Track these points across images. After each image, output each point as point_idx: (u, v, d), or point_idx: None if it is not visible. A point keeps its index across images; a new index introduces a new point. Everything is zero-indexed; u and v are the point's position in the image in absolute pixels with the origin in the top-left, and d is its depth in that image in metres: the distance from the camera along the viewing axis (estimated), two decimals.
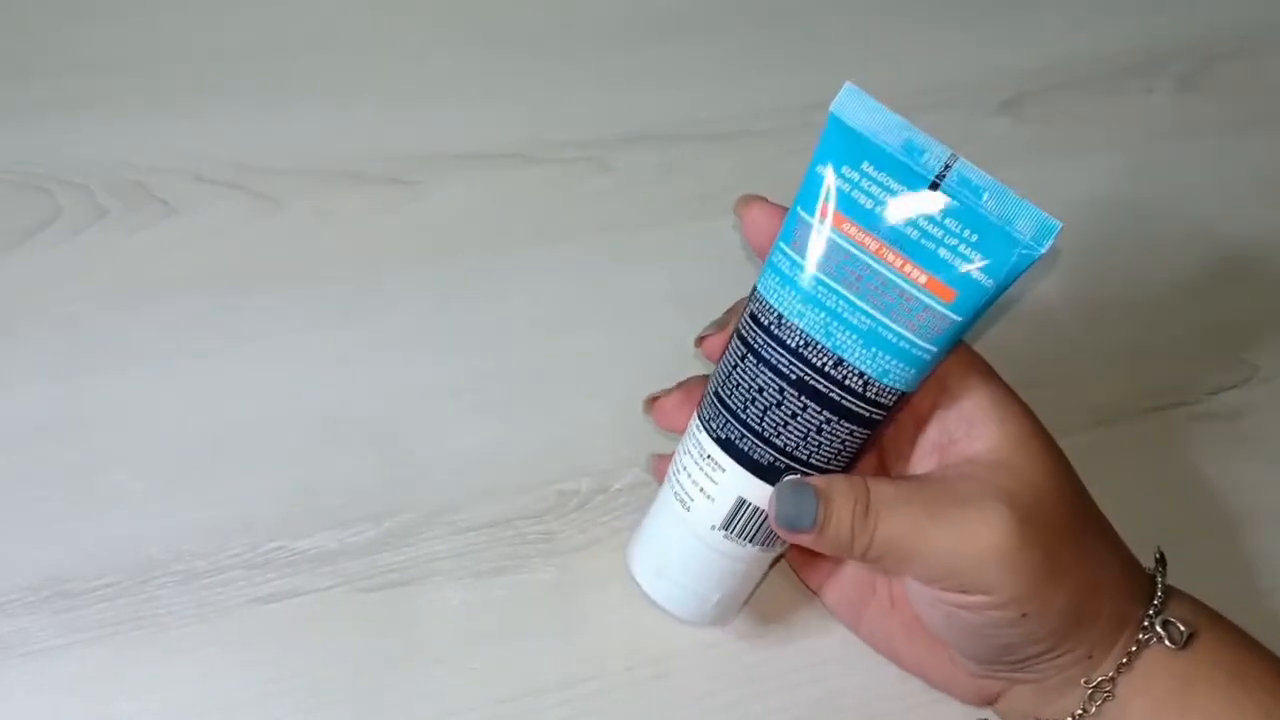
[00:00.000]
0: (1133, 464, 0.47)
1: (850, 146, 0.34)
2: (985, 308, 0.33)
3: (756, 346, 0.35)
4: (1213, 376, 0.50)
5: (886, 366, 0.33)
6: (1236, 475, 0.47)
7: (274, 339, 0.47)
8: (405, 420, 0.46)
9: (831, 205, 0.33)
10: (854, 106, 0.35)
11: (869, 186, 0.33)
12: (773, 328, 0.34)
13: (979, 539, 0.33)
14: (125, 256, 0.49)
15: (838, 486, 0.34)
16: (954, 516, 0.33)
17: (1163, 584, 0.37)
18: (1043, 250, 0.33)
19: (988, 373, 0.36)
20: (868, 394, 0.34)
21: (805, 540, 0.34)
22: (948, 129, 0.56)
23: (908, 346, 0.33)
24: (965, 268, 0.32)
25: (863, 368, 0.33)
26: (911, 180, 0.33)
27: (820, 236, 0.33)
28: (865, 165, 0.33)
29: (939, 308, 0.32)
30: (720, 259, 0.51)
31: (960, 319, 0.33)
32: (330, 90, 0.54)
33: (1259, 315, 0.52)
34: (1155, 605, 0.36)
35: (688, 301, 0.50)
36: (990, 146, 0.56)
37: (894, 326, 0.33)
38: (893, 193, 0.33)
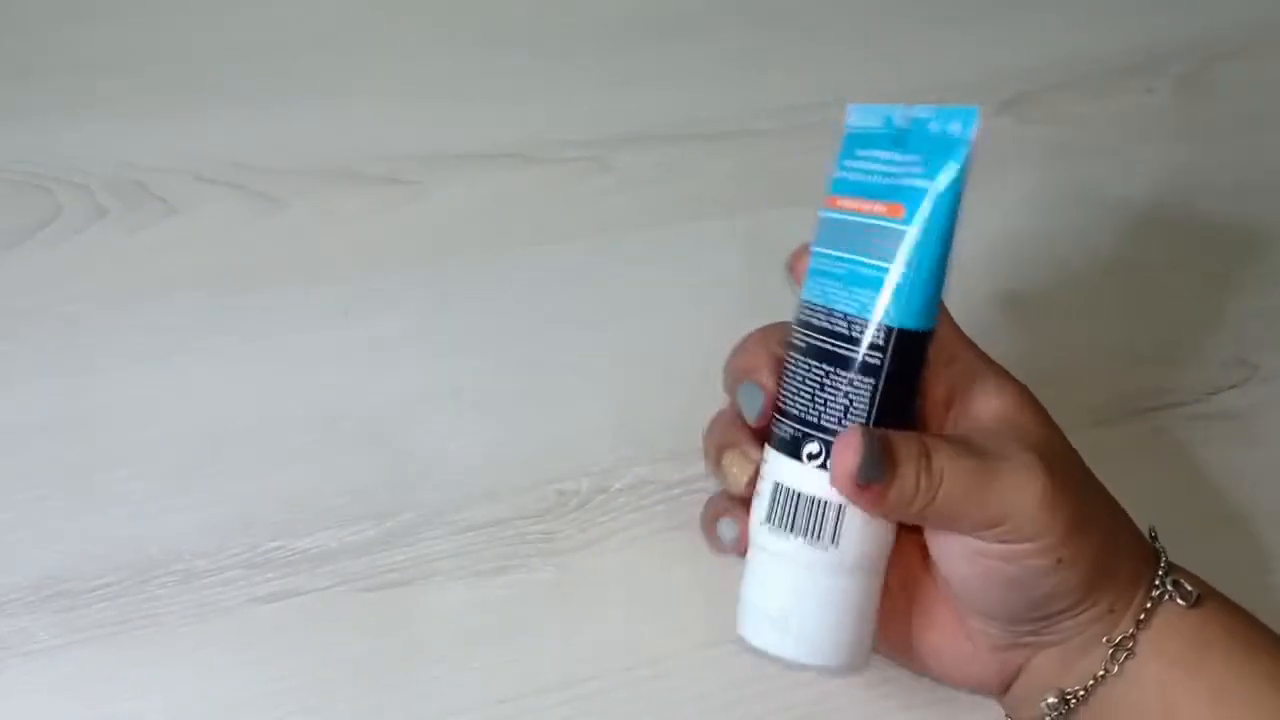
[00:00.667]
0: (1133, 464, 0.47)
1: (846, 144, 0.38)
2: (938, 212, 0.34)
3: (791, 339, 0.37)
4: (1213, 376, 0.50)
5: (863, 300, 0.35)
6: (1236, 475, 0.47)
7: (274, 339, 0.47)
8: (405, 420, 0.46)
9: (828, 194, 0.37)
10: (856, 114, 0.38)
11: (853, 165, 0.37)
12: (797, 314, 0.37)
13: (1026, 489, 0.34)
14: (125, 256, 0.49)
15: (899, 440, 0.34)
16: (1002, 469, 0.34)
17: (1162, 549, 0.38)
18: (966, 134, 0.35)
19: (977, 349, 0.38)
20: (852, 333, 0.35)
21: (869, 497, 0.34)
22: None
23: (874, 273, 0.35)
24: (909, 182, 0.35)
25: (845, 309, 0.35)
26: (881, 142, 0.36)
27: (820, 221, 0.37)
28: (857, 151, 0.37)
29: (892, 225, 0.35)
30: (720, 259, 0.51)
31: (912, 227, 0.34)
32: (330, 90, 0.54)
33: (1259, 315, 0.52)
34: (1163, 565, 0.37)
35: (688, 301, 0.50)
36: (990, 146, 0.56)
37: (863, 259, 0.35)
38: (861, 158, 0.37)
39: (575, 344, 0.48)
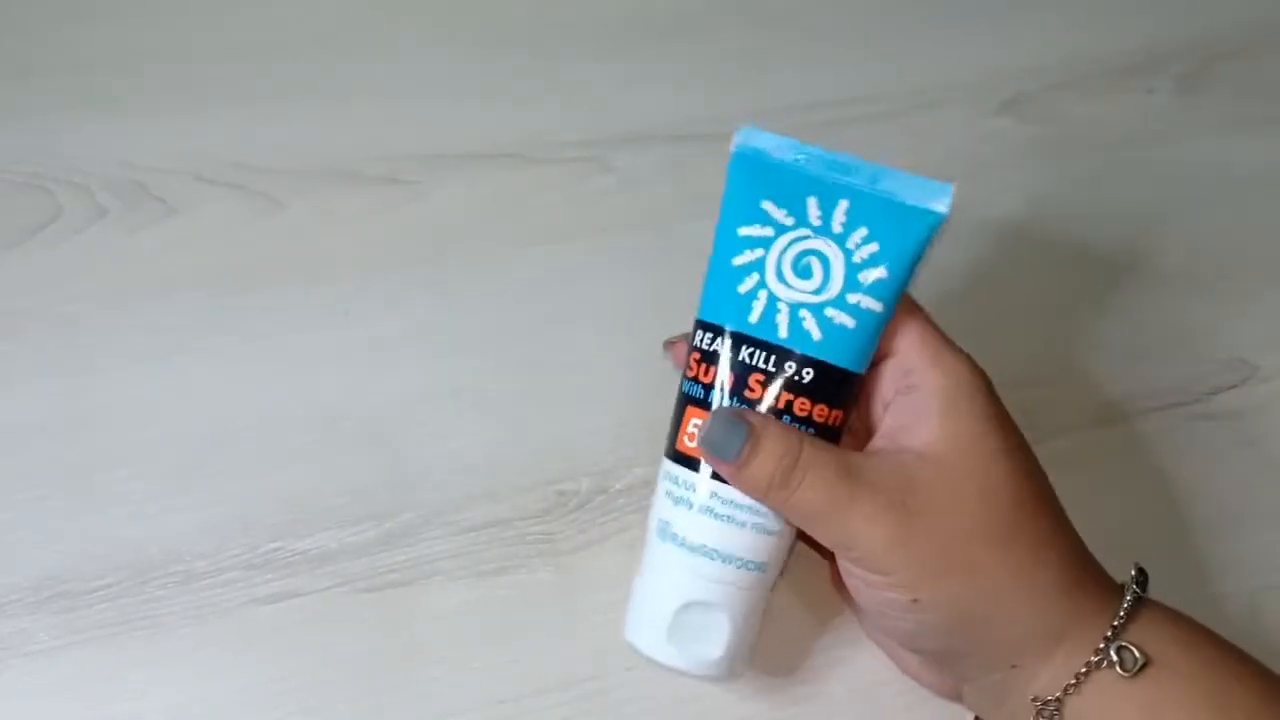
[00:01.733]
0: (1133, 464, 0.47)
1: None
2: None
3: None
4: (1213, 376, 0.50)
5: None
6: (1236, 475, 0.47)
7: (274, 339, 0.47)
8: (405, 420, 0.46)
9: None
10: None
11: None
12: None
13: (876, 525, 0.34)
14: (125, 256, 0.49)
15: (772, 430, 0.35)
16: (861, 498, 0.34)
17: (1131, 603, 0.35)
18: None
19: (953, 365, 0.36)
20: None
21: (724, 471, 0.36)
22: (948, 129, 0.56)
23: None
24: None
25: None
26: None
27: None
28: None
29: None
30: None
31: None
32: (330, 90, 0.54)
33: (1259, 315, 0.52)
34: (1115, 626, 0.34)
35: (688, 302, 0.50)
36: (990, 146, 0.56)
37: None
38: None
39: (575, 344, 0.48)
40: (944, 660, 0.37)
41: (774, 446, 0.35)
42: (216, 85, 0.54)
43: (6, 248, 0.48)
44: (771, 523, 0.37)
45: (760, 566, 0.37)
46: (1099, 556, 0.37)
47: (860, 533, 0.34)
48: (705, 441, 0.36)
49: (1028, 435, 0.37)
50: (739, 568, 0.37)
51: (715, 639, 0.36)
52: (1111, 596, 0.36)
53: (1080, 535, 0.37)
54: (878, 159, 0.54)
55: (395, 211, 0.51)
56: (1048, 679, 0.35)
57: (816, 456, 0.35)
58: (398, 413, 0.46)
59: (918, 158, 0.54)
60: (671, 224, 0.52)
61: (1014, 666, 0.35)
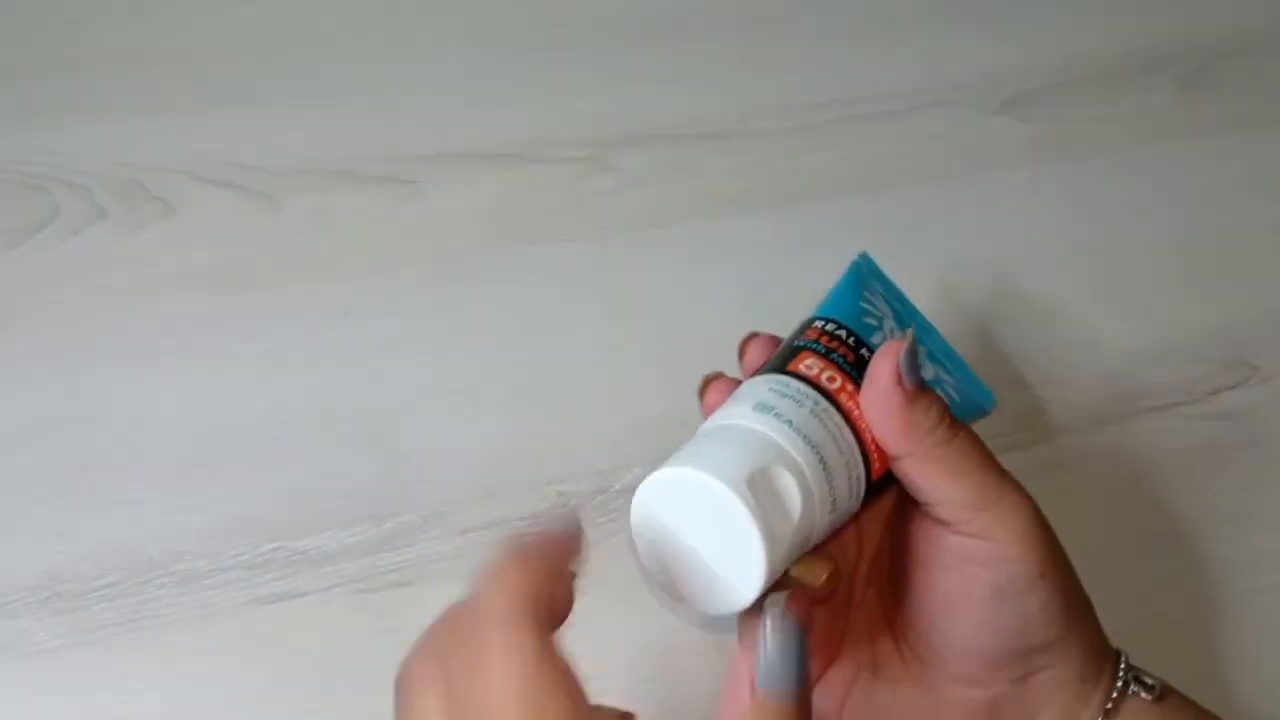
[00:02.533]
0: (1133, 464, 0.47)
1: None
2: None
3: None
4: (1213, 376, 0.50)
5: None
6: (1236, 475, 0.47)
7: (274, 339, 0.47)
8: (405, 420, 0.46)
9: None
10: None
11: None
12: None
13: (1020, 498, 0.34)
14: (125, 256, 0.49)
15: (928, 386, 0.35)
16: (1004, 470, 0.35)
17: (1122, 649, 0.37)
18: None
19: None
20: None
21: (900, 396, 0.34)
22: (948, 129, 0.56)
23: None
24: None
25: None
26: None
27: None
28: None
29: None
30: (721, 259, 0.51)
31: None
32: (330, 90, 0.54)
33: (1259, 315, 0.52)
34: (1124, 662, 0.37)
35: (688, 301, 0.50)
36: (990, 146, 0.56)
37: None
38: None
39: (575, 344, 0.48)
40: (1028, 664, 0.36)
41: (938, 395, 0.35)
42: (216, 85, 0.54)
43: (6, 248, 0.48)
44: (858, 472, 0.35)
45: (834, 498, 0.34)
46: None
47: (1002, 502, 0.34)
48: (904, 358, 0.34)
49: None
50: (824, 474, 0.34)
51: (788, 508, 0.33)
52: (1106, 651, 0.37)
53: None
54: (878, 158, 0.55)
55: (395, 211, 0.51)
56: (1094, 708, 0.36)
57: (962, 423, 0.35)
58: (398, 413, 0.46)
59: (919, 157, 0.55)
60: (671, 224, 0.52)
61: (1083, 680, 0.36)
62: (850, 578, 0.39)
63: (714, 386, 0.38)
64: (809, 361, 0.36)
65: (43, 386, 0.45)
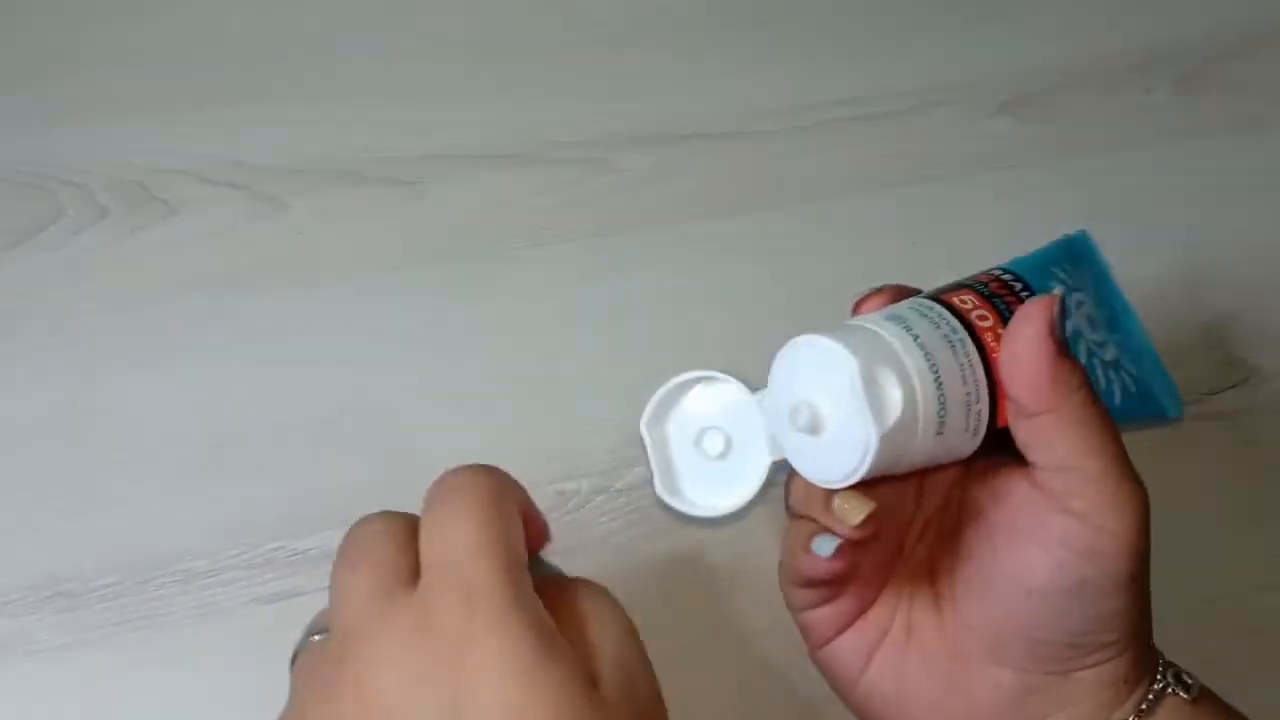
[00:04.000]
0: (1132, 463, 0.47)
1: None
2: None
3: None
4: (1213, 376, 0.50)
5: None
6: (1235, 475, 0.47)
7: (274, 339, 0.47)
8: (405, 420, 0.46)
9: None
10: None
11: None
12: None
13: (1138, 487, 0.33)
14: (125, 256, 0.49)
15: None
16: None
17: (1163, 662, 0.36)
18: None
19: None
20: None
21: (1050, 350, 0.32)
22: (948, 129, 0.56)
23: None
24: None
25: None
26: None
27: None
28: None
29: None
30: (720, 259, 0.51)
31: None
32: (331, 90, 0.54)
33: (1259, 315, 0.52)
34: (1161, 660, 0.35)
35: (688, 301, 0.50)
36: (990, 146, 0.56)
37: None
38: None
39: (575, 344, 0.48)
40: (1078, 658, 0.34)
41: (1080, 363, 0.33)
42: (217, 85, 0.54)
43: (6, 248, 0.48)
44: (979, 407, 0.33)
45: (942, 421, 0.32)
46: None
47: (1132, 488, 0.33)
48: (1056, 309, 0.32)
49: None
50: (938, 394, 0.32)
51: (886, 407, 0.32)
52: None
53: None
54: (878, 158, 0.55)
55: (395, 211, 0.51)
56: (1129, 707, 0.35)
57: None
58: (398, 413, 0.46)
59: (918, 158, 0.55)
60: (671, 224, 0.52)
61: (1126, 682, 0.34)
62: (902, 530, 0.37)
63: (869, 301, 0.36)
64: (965, 297, 0.34)
65: (43, 386, 0.45)
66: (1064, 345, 0.32)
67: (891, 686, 0.36)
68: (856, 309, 0.36)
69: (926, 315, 0.33)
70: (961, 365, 0.33)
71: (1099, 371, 0.36)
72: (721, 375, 0.36)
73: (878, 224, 0.52)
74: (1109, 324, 0.37)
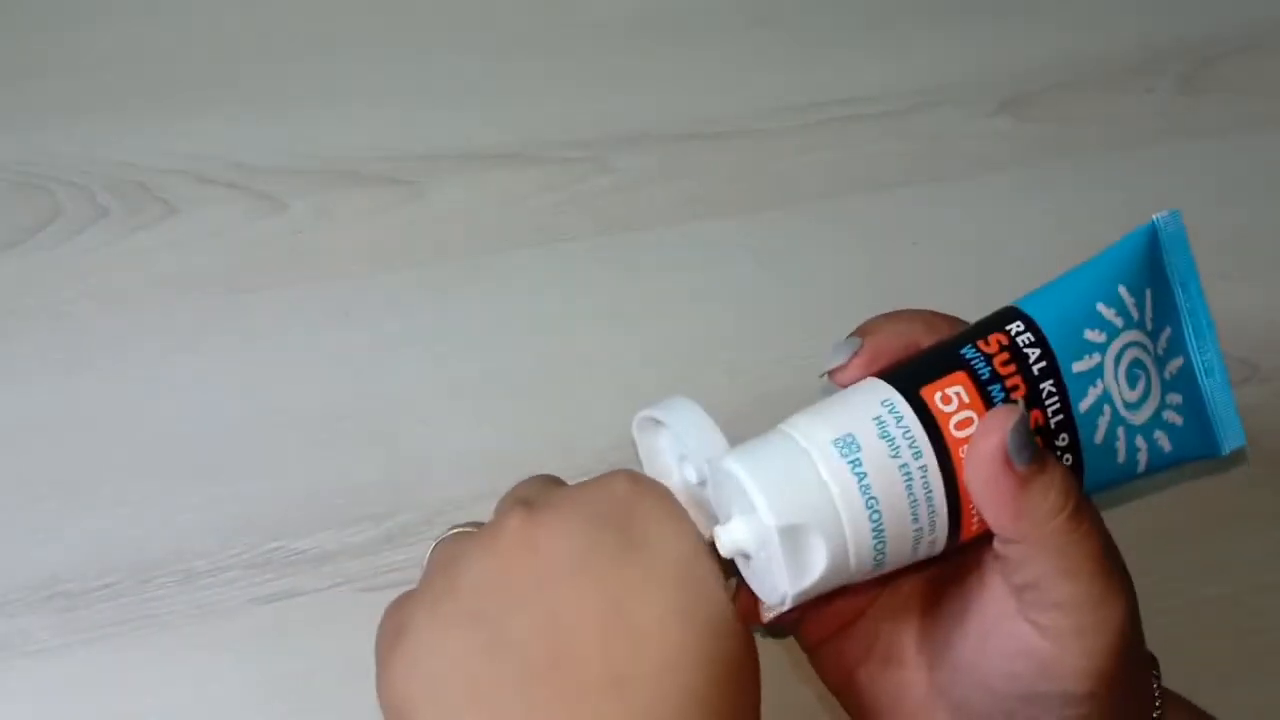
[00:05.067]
0: None
1: None
2: None
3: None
4: None
5: None
6: (1236, 475, 0.47)
7: (274, 339, 0.47)
8: (405, 420, 0.46)
9: None
10: None
11: None
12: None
13: (1120, 604, 0.30)
14: (125, 256, 0.49)
15: (1052, 459, 0.30)
16: (1118, 567, 0.31)
17: (1159, 690, 0.34)
18: None
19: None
20: None
21: (1010, 481, 0.29)
22: (948, 129, 0.56)
23: None
24: None
25: None
26: None
27: None
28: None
29: None
30: (720, 259, 0.51)
31: None
32: (330, 90, 0.54)
33: (1259, 315, 0.52)
34: (1157, 709, 0.34)
35: (688, 302, 0.50)
36: (990, 146, 0.56)
37: None
38: None
39: (576, 344, 0.48)
40: None
41: (1062, 471, 0.30)
42: (216, 85, 0.54)
43: (6, 248, 0.48)
44: (931, 536, 0.31)
45: (879, 563, 0.31)
46: None
47: (1107, 613, 0.30)
48: (1012, 434, 0.29)
49: None
50: (874, 543, 0.30)
51: (809, 569, 0.30)
52: (1148, 684, 0.34)
53: None
54: (878, 158, 0.55)
55: (395, 211, 0.51)
56: None
57: (1089, 503, 0.30)
58: (398, 413, 0.46)
59: (918, 157, 0.55)
60: (671, 224, 0.52)
61: None
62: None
63: (855, 364, 0.33)
64: (954, 390, 0.31)
65: (43, 386, 0.45)
66: (1027, 472, 0.29)
67: (879, 699, 0.36)
68: (837, 374, 0.33)
69: (887, 435, 0.30)
70: (914, 502, 0.30)
71: (1121, 441, 0.32)
72: (668, 426, 0.34)
73: (878, 224, 0.52)
74: (1177, 345, 0.34)
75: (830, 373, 0.34)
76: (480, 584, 0.30)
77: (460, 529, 0.34)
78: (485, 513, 0.44)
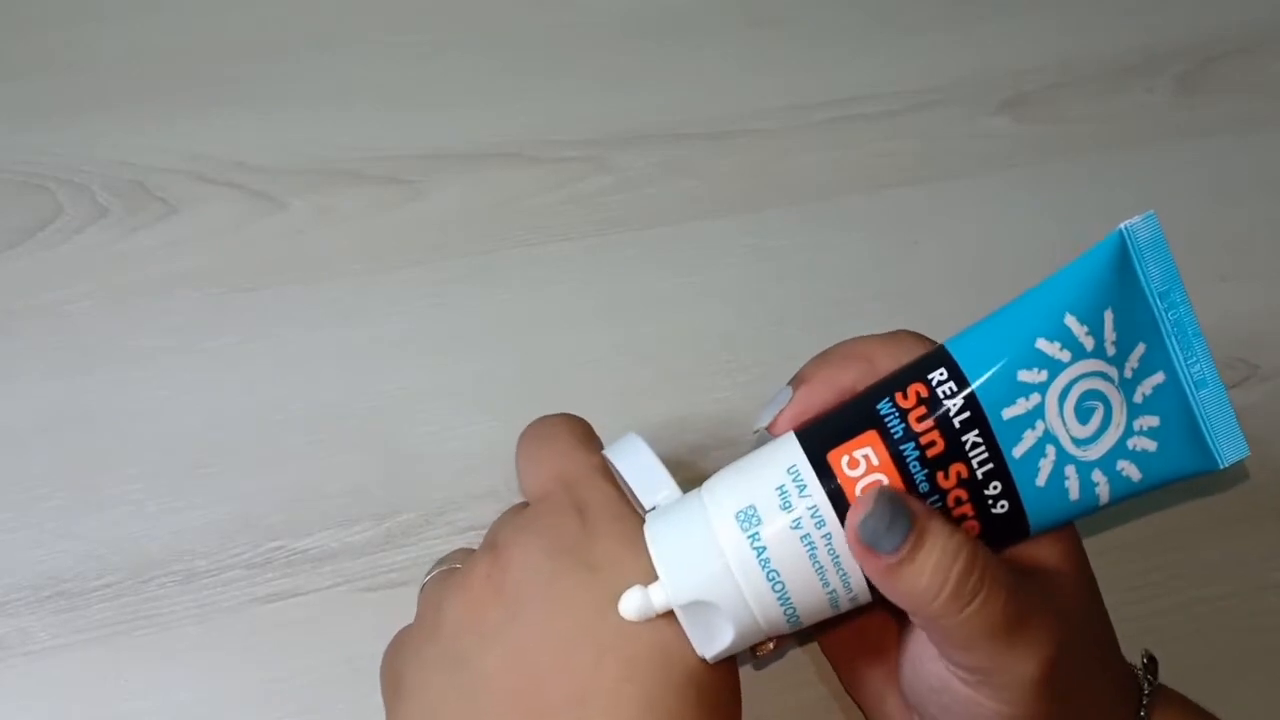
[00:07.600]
0: None
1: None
2: None
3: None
4: None
5: None
6: (1236, 475, 0.47)
7: (274, 338, 0.47)
8: (405, 420, 0.46)
9: None
10: None
11: None
12: None
13: (1031, 662, 0.30)
14: (125, 256, 0.49)
15: (939, 525, 0.29)
16: (1031, 625, 0.30)
17: (1149, 692, 0.34)
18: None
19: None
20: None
21: (873, 566, 0.29)
22: (948, 129, 0.56)
23: None
24: None
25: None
26: None
27: None
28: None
29: None
30: (720, 259, 0.51)
31: None
32: (330, 90, 0.54)
33: (1259, 315, 0.52)
34: (1143, 710, 0.34)
35: (688, 302, 0.50)
36: (990, 146, 0.56)
37: None
38: None
39: (575, 344, 0.48)
40: None
41: (946, 544, 0.29)
42: (216, 85, 0.54)
43: (6, 248, 0.48)
44: (850, 594, 0.31)
45: (795, 623, 0.32)
46: (1101, 558, 0.37)
47: (1019, 670, 0.30)
48: (862, 526, 0.29)
49: None
50: (783, 608, 0.31)
51: (714, 639, 0.32)
52: (1130, 682, 0.35)
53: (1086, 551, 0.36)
54: (878, 158, 0.55)
55: (395, 211, 0.51)
56: None
57: (996, 567, 0.29)
58: (398, 413, 0.46)
59: (918, 157, 0.55)
60: (671, 224, 0.52)
61: None
62: None
63: (782, 419, 0.33)
64: (861, 454, 0.30)
65: (43, 386, 0.45)
66: (897, 559, 0.29)
67: (881, 707, 0.37)
68: (770, 427, 0.34)
69: (788, 505, 0.30)
70: (820, 569, 0.30)
71: (1072, 480, 0.31)
72: (615, 467, 0.35)
73: (878, 224, 0.52)
74: (1154, 361, 0.32)
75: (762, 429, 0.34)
76: (458, 627, 0.32)
77: (445, 567, 0.36)
78: (486, 513, 0.44)
